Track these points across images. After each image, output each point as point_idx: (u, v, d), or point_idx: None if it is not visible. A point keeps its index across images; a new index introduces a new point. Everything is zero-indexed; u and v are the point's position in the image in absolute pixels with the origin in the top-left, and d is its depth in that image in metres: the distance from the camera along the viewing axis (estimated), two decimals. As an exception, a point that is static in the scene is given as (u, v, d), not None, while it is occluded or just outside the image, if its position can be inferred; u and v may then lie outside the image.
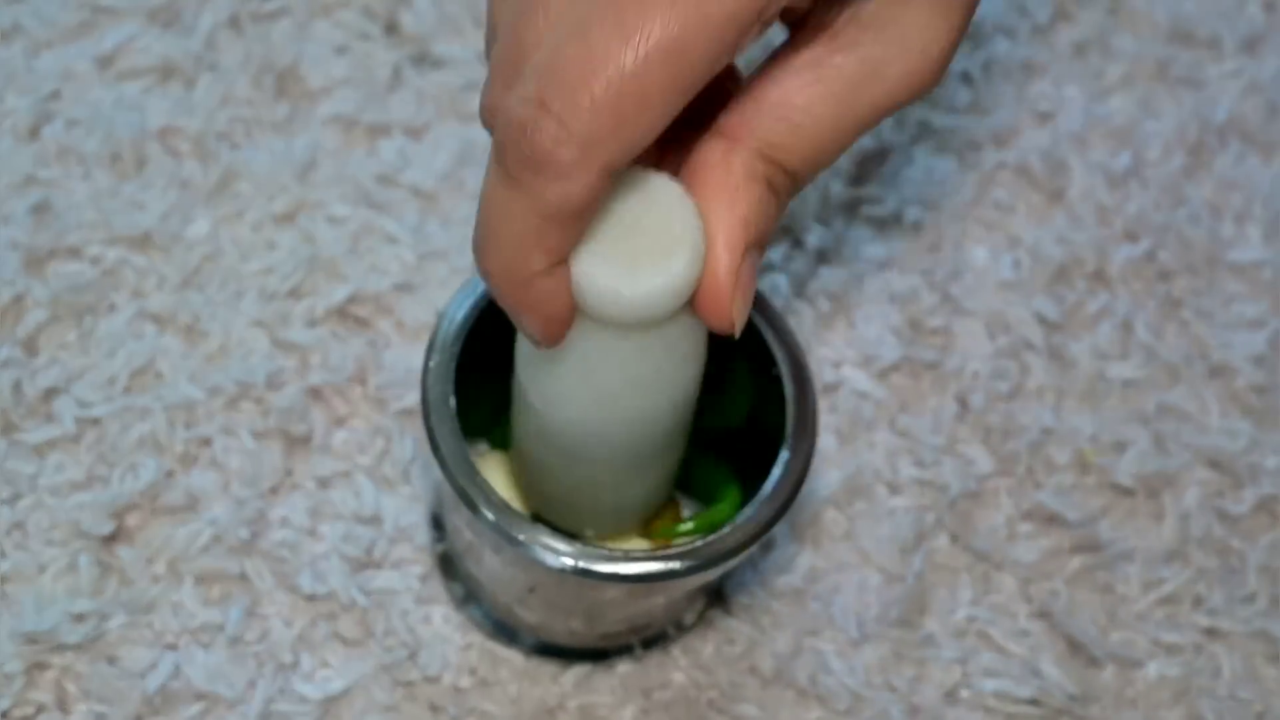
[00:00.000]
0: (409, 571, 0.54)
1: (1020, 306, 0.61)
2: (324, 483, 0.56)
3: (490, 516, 0.43)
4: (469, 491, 0.43)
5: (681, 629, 0.54)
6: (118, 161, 0.60)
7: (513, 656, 0.54)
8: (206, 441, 0.56)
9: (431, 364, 0.46)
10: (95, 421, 0.56)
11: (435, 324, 0.46)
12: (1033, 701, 0.54)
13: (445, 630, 0.54)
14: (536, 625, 0.52)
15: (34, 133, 0.61)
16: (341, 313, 0.59)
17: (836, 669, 0.54)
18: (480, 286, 0.46)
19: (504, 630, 0.54)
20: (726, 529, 0.44)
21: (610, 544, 0.45)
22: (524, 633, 0.53)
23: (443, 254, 0.60)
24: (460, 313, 0.46)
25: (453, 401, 0.45)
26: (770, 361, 0.47)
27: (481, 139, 0.62)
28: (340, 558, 0.54)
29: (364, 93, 0.63)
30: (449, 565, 0.54)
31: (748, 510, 0.44)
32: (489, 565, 0.49)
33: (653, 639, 0.54)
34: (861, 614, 0.55)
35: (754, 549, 0.44)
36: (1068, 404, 0.59)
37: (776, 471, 0.45)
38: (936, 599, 0.56)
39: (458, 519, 0.45)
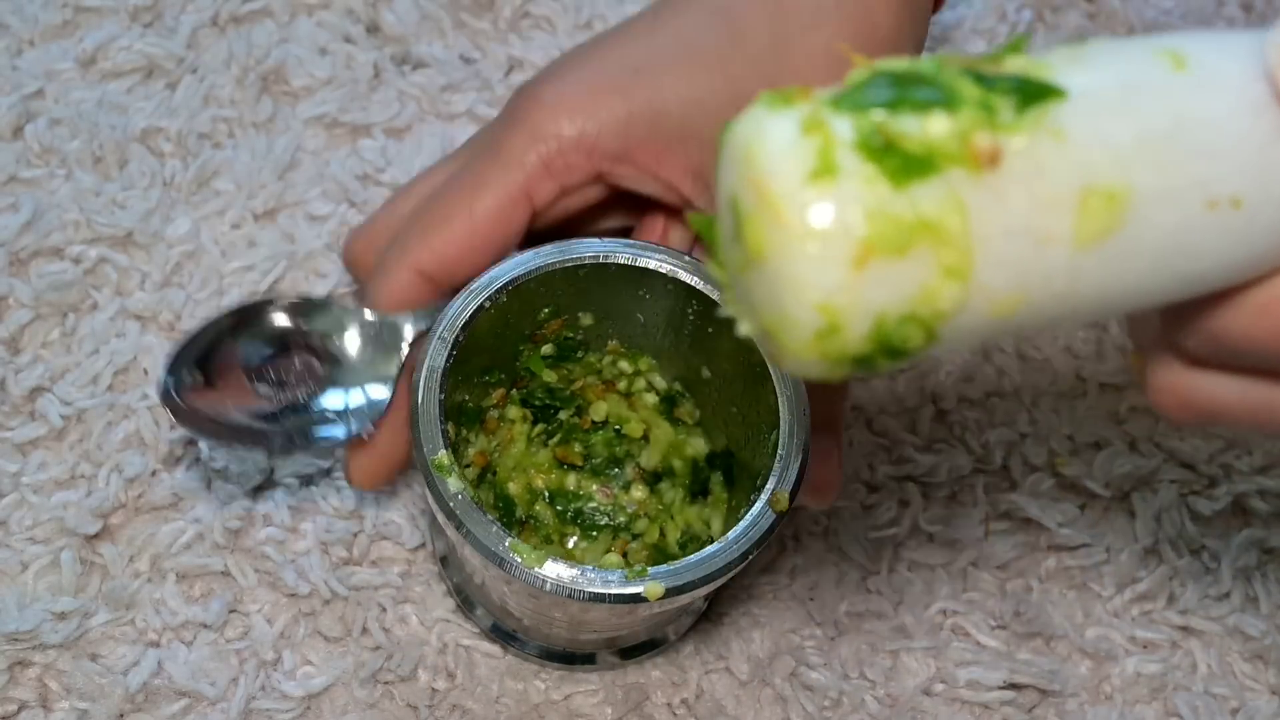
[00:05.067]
0: (389, 569, 0.55)
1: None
2: (306, 480, 0.56)
3: (480, 539, 0.43)
4: (459, 516, 0.43)
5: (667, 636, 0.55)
6: (100, 161, 0.61)
7: (494, 656, 0.54)
8: (191, 440, 0.56)
9: (422, 373, 0.45)
10: (79, 419, 0.56)
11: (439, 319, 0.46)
12: (1008, 695, 0.55)
13: (427, 628, 0.54)
14: (518, 628, 0.53)
15: (16, 132, 0.61)
16: (323, 311, 0.59)
17: (815, 662, 0.54)
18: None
19: (486, 630, 0.54)
20: (709, 551, 0.43)
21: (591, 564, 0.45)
22: (506, 633, 0.54)
23: (424, 253, 0.60)
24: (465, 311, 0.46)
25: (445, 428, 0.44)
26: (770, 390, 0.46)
27: (463, 138, 0.63)
28: (322, 555, 0.55)
29: (345, 92, 0.63)
30: (442, 565, 0.55)
31: (730, 535, 0.44)
32: (478, 575, 0.49)
33: (635, 643, 0.54)
34: (839, 609, 0.55)
35: (736, 571, 0.44)
36: (1043, 405, 0.60)
37: (763, 496, 0.44)
38: (913, 595, 0.56)
39: (448, 530, 0.44)
